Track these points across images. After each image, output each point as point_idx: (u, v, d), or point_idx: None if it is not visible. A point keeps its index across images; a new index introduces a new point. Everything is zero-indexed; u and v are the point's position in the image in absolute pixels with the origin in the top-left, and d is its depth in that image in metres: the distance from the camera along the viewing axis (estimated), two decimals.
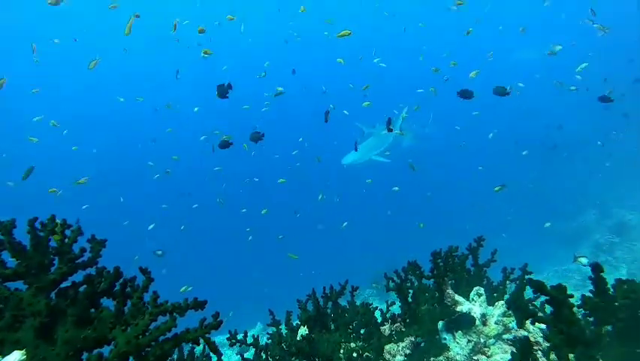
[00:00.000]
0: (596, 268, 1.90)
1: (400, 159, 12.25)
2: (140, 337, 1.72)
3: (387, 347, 3.12)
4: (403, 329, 3.27)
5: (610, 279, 2.00)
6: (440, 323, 3.12)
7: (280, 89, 9.08)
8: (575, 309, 1.86)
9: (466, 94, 6.25)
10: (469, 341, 2.98)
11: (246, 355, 3.55)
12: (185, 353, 3.04)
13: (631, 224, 13.75)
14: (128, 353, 1.67)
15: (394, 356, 3.07)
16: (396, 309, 3.44)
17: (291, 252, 8.89)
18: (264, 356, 3.24)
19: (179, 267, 16.30)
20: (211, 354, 1.89)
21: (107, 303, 1.93)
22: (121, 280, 1.93)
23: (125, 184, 23.22)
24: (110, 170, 24.68)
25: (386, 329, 3.36)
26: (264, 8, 28.77)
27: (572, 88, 10.63)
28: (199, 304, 1.86)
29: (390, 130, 8.90)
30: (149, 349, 1.74)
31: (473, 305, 3.11)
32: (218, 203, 15.04)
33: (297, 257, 9.55)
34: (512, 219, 17.03)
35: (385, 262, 10.64)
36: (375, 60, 15.57)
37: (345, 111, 13.93)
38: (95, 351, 1.68)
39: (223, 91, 5.55)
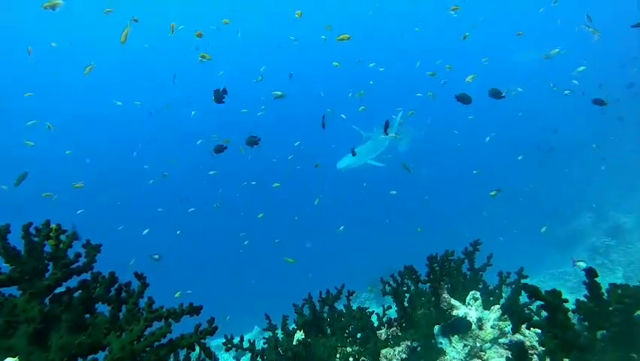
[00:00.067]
0: (590, 272, 1.91)
1: (396, 163, 12.28)
2: (135, 343, 1.71)
3: (383, 351, 3.11)
4: (400, 334, 3.26)
5: (606, 282, 2.01)
6: (436, 327, 3.12)
7: (279, 92, 9.09)
8: (570, 314, 1.87)
9: (464, 99, 6.25)
10: (465, 345, 2.98)
11: (242, 359, 3.54)
12: (181, 358, 3.03)
13: (626, 227, 13.84)
14: (123, 359, 1.66)
15: None
16: (392, 313, 3.44)
17: (288, 255, 8.87)
18: None
19: (176, 271, 16.25)
20: (207, 360, 1.88)
21: (102, 308, 1.92)
22: (116, 286, 1.92)
23: (122, 188, 23.13)
24: (106, 173, 24.58)
25: (382, 333, 3.36)
26: (262, 11, 28.91)
27: (566, 92, 10.70)
28: (194, 310, 1.85)
29: (386, 133, 8.93)
30: (144, 355, 1.73)
31: (469, 309, 3.11)
32: (215, 207, 15.01)
33: (294, 261, 9.52)
34: (509, 223, 17.08)
35: (382, 266, 10.65)
36: (370, 65, 15.63)
37: (342, 115, 13.96)
38: (90, 357, 1.67)
39: (219, 96, 5.62)
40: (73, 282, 1.93)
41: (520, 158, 15.51)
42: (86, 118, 28.29)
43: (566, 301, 1.86)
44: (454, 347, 2.99)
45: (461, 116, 17.86)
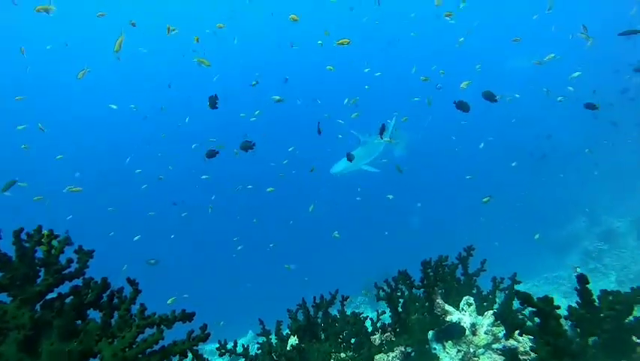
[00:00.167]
0: (582, 279, 1.92)
1: (392, 168, 12.32)
2: (127, 350, 1.70)
3: (377, 357, 3.11)
4: (393, 339, 3.26)
5: (599, 286, 2.04)
6: (430, 333, 3.12)
7: (277, 97, 9.13)
8: (562, 320, 1.88)
9: (463, 107, 6.27)
10: (458, 350, 2.98)
11: None
12: None
13: (619, 231, 13.95)
14: None
15: None
16: (386, 318, 3.44)
17: (283, 260, 8.88)
18: None
19: (172, 275, 16.16)
20: None
21: (94, 315, 1.91)
22: (108, 292, 1.91)
23: (116, 191, 22.99)
24: (104, 175, 24.46)
25: (376, 338, 3.36)
26: (261, 12, 28.97)
27: (560, 99, 10.80)
28: (187, 316, 1.85)
29: (382, 137, 8.96)
30: None
31: (463, 315, 3.12)
32: (210, 212, 14.97)
33: (290, 268, 9.57)
34: (505, 228, 17.17)
35: (378, 269, 10.66)
36: (365, 70, 15.70)
37: (340, 121, 13.99)
38: None
39: (213, 102, 5.86)
40: (65, 288, 1.92)
41: (514, 164, 15.63)
42: (82, 120, 28.20)
43: (558, 307, 1.87)
44: (447, 352, 2.99)
45: (456, 121, 17.99)
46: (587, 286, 1.92)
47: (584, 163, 18.19)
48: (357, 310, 3.61)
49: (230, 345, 3.35)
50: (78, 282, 1.93)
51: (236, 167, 18.07)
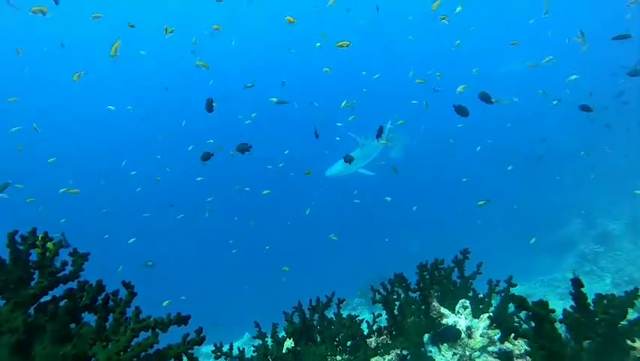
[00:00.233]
0: (576, 283, 1.93)
1: (388, 170, 12.35)
2: (122, 353, 1.69)
3: (373, 359, 3.11)
4: (389, 342, 3.26)
5: (595, 288, 2.05)
6: (426, 336, 3.13)
7: (275, 99, 9.12)
8: (557, 324, 1.88)
9: (462, 111, 6.30)
10: (454, 353, 2.99)
11: None
12: None
13: (614, 234, 14.00)
14: None
15: None
16: (383, 321, 3.44)
17: (279, 262, 8.88)
18: None
19: (167, 277, 16.10)
20: None
21: (89, 318, 1.90)
22: (103, 295, 1.90)
23: (114, 192, 22.89)
24: (100, 176, 24.34)
25: (372, 341, 3.36)
26: (260, 13, 29.01)
27: (555, 102, 10.86)
28: (182, 320, 1.84)
29: (379, 138, 9.00)
30: None
31: (459, 318, 3.13)
32: (207, 215, 14.94)
33: (287, 270, 9.58)
34: (501, 230, 17.21)
35: (375, 270, 10.66)
36: (363, 73, 15.73)
37: (338, 123, 14.02)
38: None
39: (209, 105, 6.04)
40: (60, 291, 1.90)
41: (509, 168, 15.69)
42: (81, 121, 28.10)
43: (553, 311, 1.88)
44: (443, 355, 3.00)
45: (453, 124, 18.03)
46: (582, 289, 1.92)
47: (580, 166, 18.29)
48: (354, 313, 3.61)
49: (226, 348, 3.34)
50: (73, 285, 1.92)
51: (234, 168, 18.05)
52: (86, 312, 1.89)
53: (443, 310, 3.13)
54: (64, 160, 15.30)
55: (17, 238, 1.89)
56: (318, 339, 3.34)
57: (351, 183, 15.55)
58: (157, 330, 1.80)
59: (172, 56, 22.45)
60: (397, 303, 3.34)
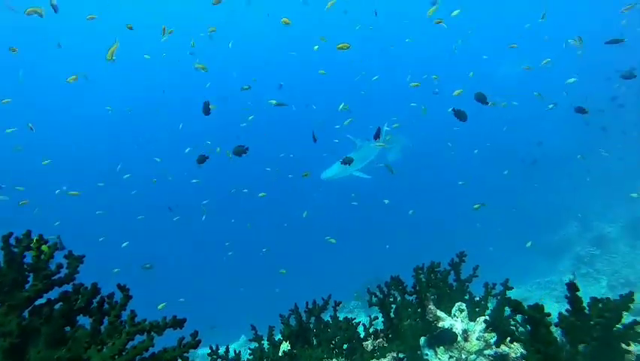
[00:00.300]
0: (572, 286, 1.93)
1: (386, 173, 12.36)
2: (117, 357, 1.68)
3: None
4: (386, 345, 3.26)
5: (591, 291, 2.06)
6: (422, 339, 3.12)
7: (274, 101, 9.12)
8: (552, 328, 1.89)
9: (461, 115, 6.30)
10: (450, 356, 2.99)
11: None
12: None
13: (610, 236, 14.08)
14: None
15: None
16: (379, 324, 3.44)
17: (276, 264, 8.86)
18: None
19: (164, 279, 16.03)
20: None
21: (84, 321, 1.89)
22: (98, 298, 1.89)
23: (113, 192, 22.81)
24: (99, 177, 24.24)
25: (369, 344, 3.35)
26: (259, 13, 29.02)
27: (550, 106, 10.90)
28: (177, 323, 1.83)
29: (376, 140, 9.02)
30: None
31: (455, 321, 3.13)
32: (204, 218, 14.92)
33: (284, 272, 9.56)
34: (497, 233, 17.25)
35: (371, 274, 10.66)
36: (359, 76, 15.77)
37: (337, 126, 14.03)
38: None
39: (206, 108, 6.13)
40: (55, 294, 1.89)
41: (506, 172, 15.76)
42: (80, 121, 28.02)
43: (549, 315, 1.88)
44: (439, 358, 3.00)
45: (450, 127, 18.08)
46: (577, 293, 1.93)
47: (576, 169, 18.37)
48: (350, 315, 3.61)
49: (222, 350, 3.33)
50: (68, 287, 1.91)
51: (232, 170, 18.02)
52: (81, 315, 1.88)
53: (439, 313, 3.13)
54: (62, 162, 15.22)
55: (12, 241, 1.88)
56: (315, 342, 3.34)
57: (349, 185, 15.56)
58: (152, 333, 1.80)
59: (171, 57, 22.38)
60: (394, 306, 3.34)
